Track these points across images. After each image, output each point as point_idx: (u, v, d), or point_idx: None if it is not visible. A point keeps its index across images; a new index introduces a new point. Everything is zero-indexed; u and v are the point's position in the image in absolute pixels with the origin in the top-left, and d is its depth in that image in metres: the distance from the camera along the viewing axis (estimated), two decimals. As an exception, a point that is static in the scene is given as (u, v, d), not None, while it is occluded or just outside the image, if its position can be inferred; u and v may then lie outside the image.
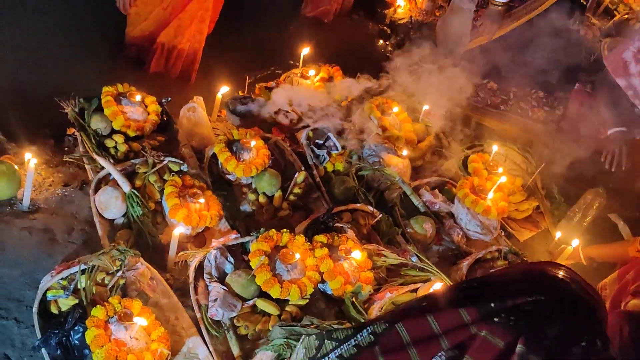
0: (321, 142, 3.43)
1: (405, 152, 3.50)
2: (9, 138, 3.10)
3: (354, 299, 2.62)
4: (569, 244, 3.33)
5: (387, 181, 3.35)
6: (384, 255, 2.83)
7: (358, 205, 3.14)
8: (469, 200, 3.27)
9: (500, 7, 3.76)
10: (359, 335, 1.89)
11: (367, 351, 1.85)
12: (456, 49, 4.28)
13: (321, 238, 2.77)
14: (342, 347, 1.91)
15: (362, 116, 3.63)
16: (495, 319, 1.67)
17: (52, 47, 3.88)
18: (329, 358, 1.93)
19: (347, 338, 1.91)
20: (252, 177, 3.11)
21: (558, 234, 3.48)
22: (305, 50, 3.85)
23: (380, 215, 3.08)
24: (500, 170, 3.55)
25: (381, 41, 4.66)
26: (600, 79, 3.71)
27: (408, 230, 3.18)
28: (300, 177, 3.15)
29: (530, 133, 4.12)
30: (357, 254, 2.72)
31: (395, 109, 3.73)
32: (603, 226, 3.64)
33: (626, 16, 4.04)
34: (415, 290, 2.66)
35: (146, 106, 3.24)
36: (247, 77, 3.92)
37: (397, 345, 1.79)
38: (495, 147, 3.63)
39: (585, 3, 4.06)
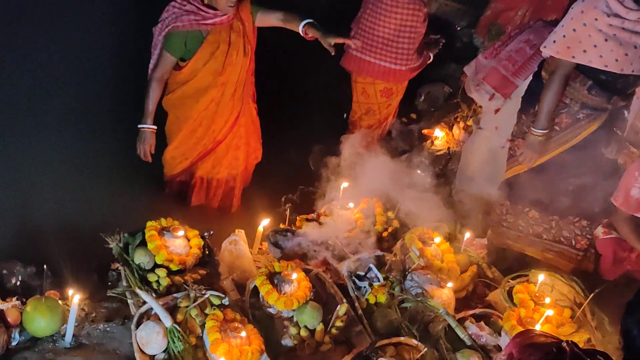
0: (362, 273, 3.40)
1: (449, 284, 3.44)
2: (55, 273, 3.15)
3: None
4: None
5: (431, 313, 3.27)
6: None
7: (402, 338, 3.05)
8: (516, 332, 3.15)
9: (540, 137, 3.81)
10: None
11: None
12: (491, 185, 4.32)
13: (365, 374, 2.68)
14: None
15: (403, 247, 3.62)
16: None
17: (97, 184, 4.06)
18: None
19: None
20: (294, 310, 3.08)
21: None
22: (345, 184, 3.91)
23: (425, 350, 2.97)
24: (548, 301, 3.45)
25: (419, 172, 4.72)
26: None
27: (455, 364, 3.06)
28: (342, 309, 3.10)
29: (574, 261, 4.05)
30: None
31: (437, 239, 3.71)
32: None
33: None
34: None
35: (189, 240, 3.28)
36: (288, 210, 3.97)
37: None
38: (541, 277, 3.55)
39: (621, 133, 4.09)
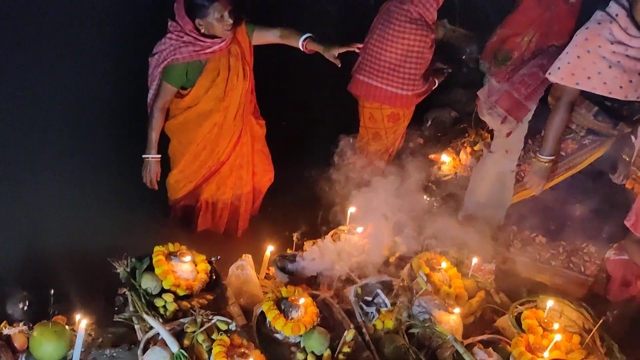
0: (370, 299, 3.39)
1: (456, 309, 3.42)
2: (61, 298, 3.15)
3: None
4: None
5: (439, 339, 3.24)
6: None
7: (410, 364, 3.03)
8: (525, 358, 3.13)
9: (547, 164, 3.81)
10: None
11: None
12: (499, 209, 4.31)
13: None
14: None
15: (410, 272, 3.60)
16: None
17: (104, 209, 4.09)
18: None
19: None
20: (301, 335, 3.06)
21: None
22: (352, 209, 3.91)
23: (434, 376, 2.96)
24: (556, 326, 3.42)
25: (426, 197, 4.72)
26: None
27: (462, 391, 3.03)
28: (349, 335, 3.09)
29: (584, 287, 4.02)
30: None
31: (444, 264, 3.70)
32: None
33: None
34: None
35: (196, 264, 3.28)
36: (295, 235, 3.96)
37: None
38: (549, 303, 3.52)
39: (628, 159, 4.10)
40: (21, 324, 2.94)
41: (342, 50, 3.82)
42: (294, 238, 3.94)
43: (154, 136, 3.89)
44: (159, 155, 3.93)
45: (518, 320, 3.51)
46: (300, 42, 3.86)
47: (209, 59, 3.75)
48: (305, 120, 4.10)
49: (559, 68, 3.53)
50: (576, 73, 3.46)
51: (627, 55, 3.38)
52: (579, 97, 3.64)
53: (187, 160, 4.05)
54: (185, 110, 3.91)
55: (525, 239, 4.09)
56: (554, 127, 3.70)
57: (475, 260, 3.76)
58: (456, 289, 3.60)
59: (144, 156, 3.92)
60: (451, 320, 3.33)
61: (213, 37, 3.70)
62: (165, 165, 4.14)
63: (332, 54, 3.78)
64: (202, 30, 3.66)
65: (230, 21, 3.64)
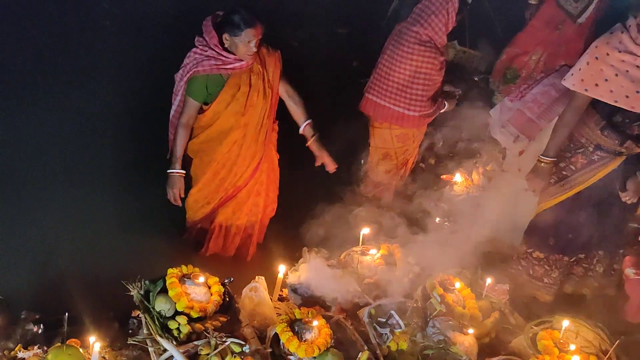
0: (384, 320, 3.37)
1: (470, 330, 3.40)
2: (76, 321, 3.15)
3: None
4: None
5: (454, 360, 3.23)
6: None
7: (425, 387, 3.01)
8: (542, 380, 3.11)
9: (546, 165, 3.84)
10: None
11: None
12: (513, 229, 4.31)
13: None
14: None
15: (424, 293, 3.59)
16: None
17: (117, 232, 4.11)
18: None
19: None
20: (315, 357, 3.03)
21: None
22: (366, 230, 3.91)
23: (449, 398, 2.94)
24: (573, 347, 3.39)
25: (438, 219, 4.70)
26: None
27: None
28: (363, 356, 3.07)
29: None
30: None
31: (457, 285, 3.68)
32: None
33: None
34: None
35: (209, 287, 3.28)
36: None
37: None
38: (565, 323, 3.49)
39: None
40: (36, 347, 2.95)
41: (328, 161, 4.24)
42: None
43: (179, 151, 3.95)
44: (183, 171, 3.97)
45: (534, 341, 3.49)
46: (303, 125, 4.18)
47: (230, 74, 3.81)
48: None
49: (572, 74, 3.63)
50: (585, 79, 3.54)
51: (636, 66, 3.43)
52: (590, 111, 3.68)
53: (207, 178, 4.08)
54: (206, 128, 3.96)
55: (538, 259, 4.09)
56: (559, 131, 3.78)
57: (489, 280, 3.75)
58: (470, 309, 3.58)
59: (168, 171, 3.95)
60: (466, 341, 3.31)
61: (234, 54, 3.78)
62: (188, 189, 4.17)
63: (319, 155, 4.20)
64: (226, 45, 3.74)
65: (254, 49, 3.74)
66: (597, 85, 3.51)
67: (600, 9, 5.10)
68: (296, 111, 4.14)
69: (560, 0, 5.08)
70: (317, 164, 4.21)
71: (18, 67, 5.11)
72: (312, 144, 4.20)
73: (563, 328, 3.48)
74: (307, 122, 4.16)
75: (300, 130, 4.17)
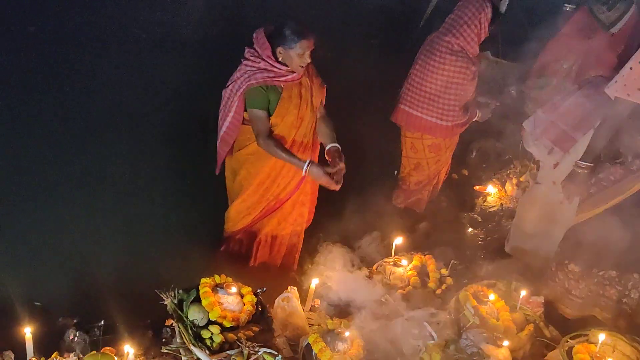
0: (417, 331, 3.35)
1: (505, 342, 3.35)
2: (111, 329, 3.19)
3: None
4: None
5: (488, 373, 3.19)
6: None
7: (459, 399, 2.98)
8: (578, 394, 3.05)
9: (583, 171, 3.78)
10: None
11: None
12: (548, 241, 4.25)
13: None
14: None
15: (457, 304, 3.56)
16: None
17: (153, 241, 4.15)
18: None
19: None
20: (347, 368, 3.04)
21: None
22: (398, 240, 3.89)
23: (483, 411, 2.90)
24: (610, 361, 3.33)
25: (471, 229, 4.67)
26: None
27: None
28: (396, 368, 3.05)
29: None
30: None
31: (492, 297, 3.64)
32: None
33: None
34: None
35: (242, 296, 3.30)
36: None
37: None
38: (602, 337, 3.43)
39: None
40: (71, 354, 2.99)
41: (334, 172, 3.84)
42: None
43: (287, 155, 3.82)
44: (309, 159, 3.86)
45: (569, 354, 3.43)
46: (327, 146, 3.92)
47: (284, 87, 3.81)
48: (350, 150, 4.10)
49: (615, 81, 3.54)
50: (628, 84, 3.45)
51: None
52: (629, 121, 3.62)
53: (252, 189, 4.06)
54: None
55: (576, 273, 4.02)
56: (598, 137, 3.70)
57: (523, 292, 3.70)
58: (504, 321, 3.53)
59: (305, 167, 3.80)
60: (500, 354, 3.26)
61: (286, 66, 3.78)
62: (222, 200, 4.19)
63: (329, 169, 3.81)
64: (280, 58, 3.74)
65: (308, 60, 3.73)
66: (639, 89, 3.44)
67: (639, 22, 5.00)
68: (325, 133, 3.97)
69: (593, 8, 4.99)
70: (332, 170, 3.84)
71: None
72: (332, 152, 3.93)
73: (599, 342, 3.42)
74: (332, 145, 3.92)
75: (326, 150, 3.94)
